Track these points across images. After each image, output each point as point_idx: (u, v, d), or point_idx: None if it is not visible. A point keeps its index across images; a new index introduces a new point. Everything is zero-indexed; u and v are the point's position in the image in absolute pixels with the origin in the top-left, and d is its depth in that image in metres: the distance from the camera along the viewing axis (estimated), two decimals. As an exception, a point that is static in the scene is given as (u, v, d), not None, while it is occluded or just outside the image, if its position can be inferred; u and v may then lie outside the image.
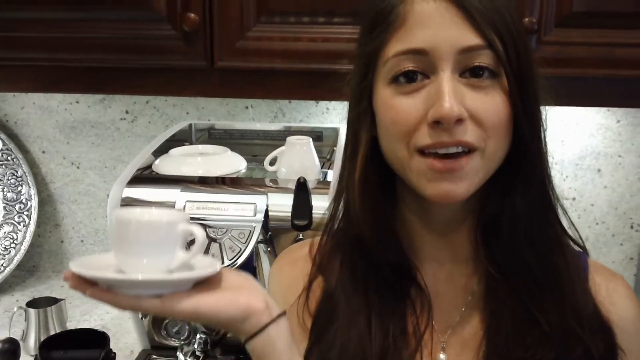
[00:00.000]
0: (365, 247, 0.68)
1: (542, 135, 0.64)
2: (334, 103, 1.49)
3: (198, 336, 1.12)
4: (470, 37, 0.58)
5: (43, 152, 1.60)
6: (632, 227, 1.49)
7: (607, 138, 1.43)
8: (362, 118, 0.66)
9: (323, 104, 1.49)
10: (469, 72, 0.60)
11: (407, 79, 0.61)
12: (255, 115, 1.52)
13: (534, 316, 0.64)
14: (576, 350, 0.63)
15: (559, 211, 0.67)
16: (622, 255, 1.50)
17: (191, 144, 1.38)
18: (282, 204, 1.03)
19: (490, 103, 0.60)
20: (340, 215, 0.72)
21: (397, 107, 0.61)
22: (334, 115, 1.50)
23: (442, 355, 0.68)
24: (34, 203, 1.58)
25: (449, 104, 0.57)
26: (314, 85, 1.14)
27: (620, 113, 1.42)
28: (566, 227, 0.69)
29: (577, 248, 0.71)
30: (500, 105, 0.60)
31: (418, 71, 0.60)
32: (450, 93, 0.58)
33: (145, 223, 0.56)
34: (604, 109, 1.41)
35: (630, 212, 1.48)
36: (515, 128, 0.61)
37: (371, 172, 0.66)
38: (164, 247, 0.56)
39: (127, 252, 0.56)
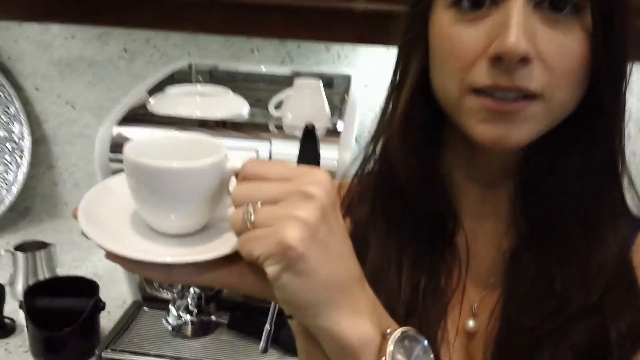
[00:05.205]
0: (402, 191, 0.61)
1: (624, 94, 0.55)
2: (346, 49, 1.39)
3: (192, 291, 1.07)
4: None
5: (37, 89, 1.52)
6: None
7: None
8: (414, 45, 0.58)
9: (335, 50, 1.40)
10: (548, 3, 0.50)
11: (472, 4, 0.52)
12: (261, 59, 1.43)
13: (553, 288, 0.57)
14: (595, 330, 0.57)
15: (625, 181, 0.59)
16: None
17: (191, 85, 1.29)
18: (286, 152, 0.97)
19: (567, 45, 0.50)
20: (377, 155, 0.65)
21: (455, 36, 0.52)
22: (345, 64, 1.41)
23: (471, 322, 0.62)
24: (27, 143, 1.51)
25: (515, 37, 0.48)
26: (324, 26, 1.06)
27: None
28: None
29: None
30: (578, 48, 0.51)
31: None
32: (519, 25, 0.49)
33: (179, 173, 0.44)
34: None
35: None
36: (592, 78, 0.52)
37: (417, 109, 0.58)
38: (205, 196, 0.46)
39: (155, 209, 0.47)
